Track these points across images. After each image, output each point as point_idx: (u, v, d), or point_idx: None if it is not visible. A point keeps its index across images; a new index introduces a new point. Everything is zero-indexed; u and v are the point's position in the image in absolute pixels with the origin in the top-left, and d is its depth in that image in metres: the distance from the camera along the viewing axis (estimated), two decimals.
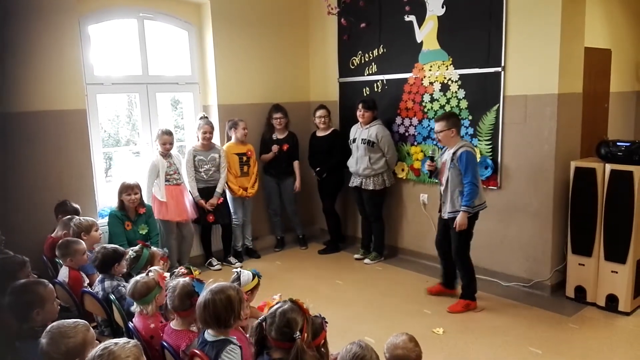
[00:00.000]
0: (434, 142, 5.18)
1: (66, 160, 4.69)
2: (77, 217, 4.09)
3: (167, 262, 3.71)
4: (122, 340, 2.00)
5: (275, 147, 5.86)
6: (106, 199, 5.11)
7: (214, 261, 5.64)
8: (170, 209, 5.12)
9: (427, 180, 5.27)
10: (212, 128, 5.44)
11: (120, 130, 7.31)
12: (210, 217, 5.47)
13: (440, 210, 4.49)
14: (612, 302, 4.28)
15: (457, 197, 4.24)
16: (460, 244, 4.34)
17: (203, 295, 2.41)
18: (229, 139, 5.72)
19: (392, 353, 2.26)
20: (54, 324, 2.19)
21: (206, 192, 5.43)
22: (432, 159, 4.47)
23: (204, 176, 5.43)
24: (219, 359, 2.27)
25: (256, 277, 3.04)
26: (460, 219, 4.19)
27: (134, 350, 1.95)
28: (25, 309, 2.48)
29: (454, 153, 4.21)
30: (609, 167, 4.21)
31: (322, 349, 2.26)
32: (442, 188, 4.38)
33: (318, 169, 5.95)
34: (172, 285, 2.69)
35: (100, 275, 3.34)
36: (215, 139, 5.60)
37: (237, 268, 3.18)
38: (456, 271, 4.56)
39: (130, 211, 4.67)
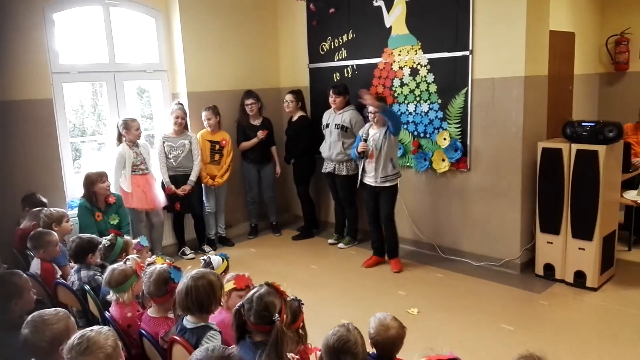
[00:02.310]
0: (405, 127, 5.26)
1: (33, 152, 4.57)
2: (47, 208, 4.01)
3: (147, 252, 3.68)
4: (96, 327, 1.99)
5: (261, 133, 5.80)
6: (75, 191, 5.00)
7: (187, 250, 5.61)
8: (135, 198, 5.04)
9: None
10: (185, 114, 5.38)
11: (86, 121, 7.13)
12: (177, 206, 5.40)
13: (361, 181, 4.97)
14: (580, 279, 4.41)
15: (388, 164, 4.80)
16: (391, 207, 4.92)
17: (183, 282, 2.39)
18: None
19: (384, 335, 2.28)
20: (35, 314, 2.16)
21: (174, 180, 5.36)
22: (365, 140, 4.86)
23: (173, 163, 5.35)
24: (200, 346, 2.25)
25: (224, 260, 3.08)
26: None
27: (110, 335, 1.95)
28: (3, 300, 2.43)
29: (388, 127, 4.75)
30: (574, 147, 4.32)
31: (301, 331, 2.29)
32: (371, 160, 4.84)
33: (285, 155, 5.99)
34: (149, 272, 2.68)
35: (75, 265, 3.29)
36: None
37: (205, 255, 3.19)
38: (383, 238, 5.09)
39: (101, 201, 4.58)
